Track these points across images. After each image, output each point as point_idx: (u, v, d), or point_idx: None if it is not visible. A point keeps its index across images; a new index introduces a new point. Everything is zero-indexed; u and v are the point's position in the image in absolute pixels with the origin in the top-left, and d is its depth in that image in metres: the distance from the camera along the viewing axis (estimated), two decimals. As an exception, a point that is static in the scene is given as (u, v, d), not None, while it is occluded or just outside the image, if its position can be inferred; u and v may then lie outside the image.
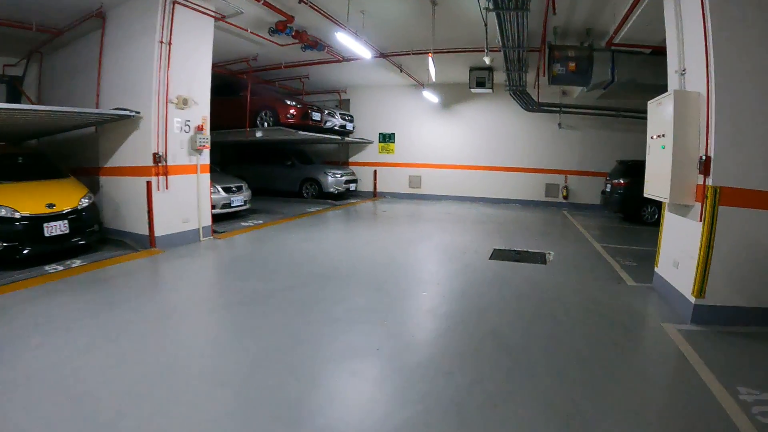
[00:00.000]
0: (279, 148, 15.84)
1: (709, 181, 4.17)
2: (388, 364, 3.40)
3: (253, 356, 3.47)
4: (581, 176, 14.10)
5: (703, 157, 4.21)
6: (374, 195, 15.98)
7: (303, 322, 4.19)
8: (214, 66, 8.18)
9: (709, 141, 4.19)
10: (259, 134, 12.58)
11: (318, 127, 13.05)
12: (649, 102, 5.36)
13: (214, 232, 8.24)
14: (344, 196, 15.04)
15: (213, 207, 8.71)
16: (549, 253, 7.27)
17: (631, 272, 6.23)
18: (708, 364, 3.43)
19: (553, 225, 10.93)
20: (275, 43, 9.83)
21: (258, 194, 13.76)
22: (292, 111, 12.22)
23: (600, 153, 13.84)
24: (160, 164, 6.93)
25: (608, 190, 11.90)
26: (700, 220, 4.24)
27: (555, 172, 14.24)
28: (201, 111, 7.75)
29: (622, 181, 11.23)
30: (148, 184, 6.85)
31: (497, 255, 7.08)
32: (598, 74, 8.49)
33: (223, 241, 7.89)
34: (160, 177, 6.99)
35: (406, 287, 5.50)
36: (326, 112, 14.26)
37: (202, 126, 7.75)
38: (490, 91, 12.18)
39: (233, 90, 13.10)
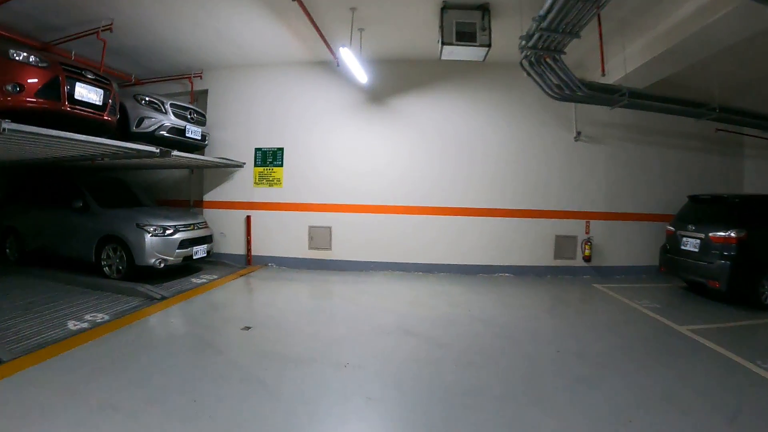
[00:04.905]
0: (68, 175, 8.06)
1: None
2: None
3: None
4: (611, 222, 8.30)
5: None
6: (248, 262, 8.60)
7: None
8: None
9: None
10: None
11: (103, 125, 5.61)
12: None
13: None
14: (187, 269, 7.63)
15: None
16: None
17: None
18: None
19: (699, 376, 4.53)
20: None
21: (33, 264, 7.63)
22: (17, 76, 4.66)
23: (645, 183, 8.33)
24: None
25: (693, 249, 6.47)
26: None
27: (569, 216, 8.24)
28: None
29: (732, 235, 6.00)
30: None
31: None
32: None
33: None
34: None
35: None
36: (143, 99, 6.98)
37: None
38: (481, 55, 5.82)
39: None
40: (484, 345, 4.44)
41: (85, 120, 5.30)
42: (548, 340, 4.66)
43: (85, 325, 4.84)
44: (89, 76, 5.42)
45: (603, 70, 5.49)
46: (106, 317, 5.16)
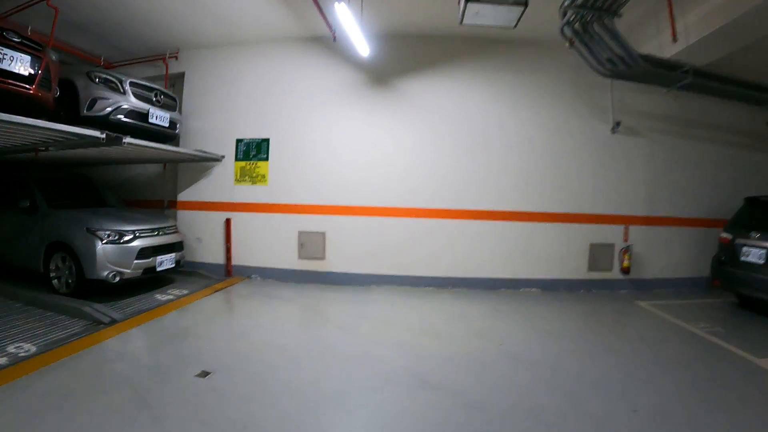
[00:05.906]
0: (18, 169, 6.82)
1: None
2: None
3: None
4: (652, 227, 7.11)
5: None
6: (227, 273, 7.35)
7: None
8: None
9: None
10: None
11: (32, 102, 4.40)
12: None
13: None
14: (154, 282, 6.42)
15: None
16: None
17: None
18: None
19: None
20: None
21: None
22: None
23: (690, 182, 7.21)
24: None
25: (757, 260, 5.71)
26: None
27: (605, 221, 7.03)
28: None
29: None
30: None
31: None
32: None
33: None
34: None
35: None
36: (97, 77, 5.77)
37: None
38: (513, 18, 4.60)
39: None
40: (534, 401, 3.19)
41: (4, 94, 4.09)
42: (613, 389, 3.43)
43: (2, 360, 3.69)
44: (13, 39, 4.21)
45: (674, 34, 4.26)
46: (33, 349, 4.02)
